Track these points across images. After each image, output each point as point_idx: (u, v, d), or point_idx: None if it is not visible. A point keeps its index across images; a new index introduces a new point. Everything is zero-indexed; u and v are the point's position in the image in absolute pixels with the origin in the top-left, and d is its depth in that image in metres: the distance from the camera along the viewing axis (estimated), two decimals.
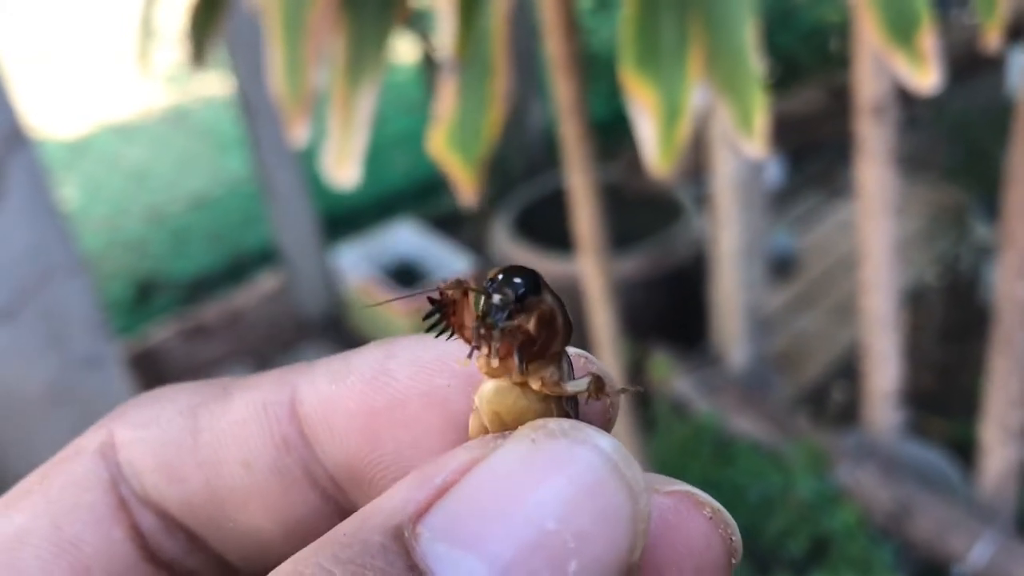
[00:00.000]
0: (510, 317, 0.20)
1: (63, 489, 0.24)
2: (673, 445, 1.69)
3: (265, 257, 2.61)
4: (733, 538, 0.21)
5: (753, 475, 1.60)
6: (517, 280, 0.21)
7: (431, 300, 0.21)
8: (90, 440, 0.25)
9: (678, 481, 0.22)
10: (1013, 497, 1.50)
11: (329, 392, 0.24)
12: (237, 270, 2.65)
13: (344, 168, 0.77)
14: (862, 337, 1.56)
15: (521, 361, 0.21)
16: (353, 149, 0.77)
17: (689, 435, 1.71)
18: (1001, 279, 1.33)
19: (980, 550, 1.47)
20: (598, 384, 0.22)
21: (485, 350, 0.21)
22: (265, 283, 2.56)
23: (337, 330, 2.49)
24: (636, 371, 1.86)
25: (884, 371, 1.54)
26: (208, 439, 0.24)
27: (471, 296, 0.21)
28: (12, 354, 1.75)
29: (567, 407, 0.22)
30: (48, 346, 1.81)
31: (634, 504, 0.19)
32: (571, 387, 0.22)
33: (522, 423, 0.21)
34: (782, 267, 2.45)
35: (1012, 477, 1.48)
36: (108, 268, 2.62)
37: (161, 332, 2.40)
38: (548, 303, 0.21)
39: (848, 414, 1.93)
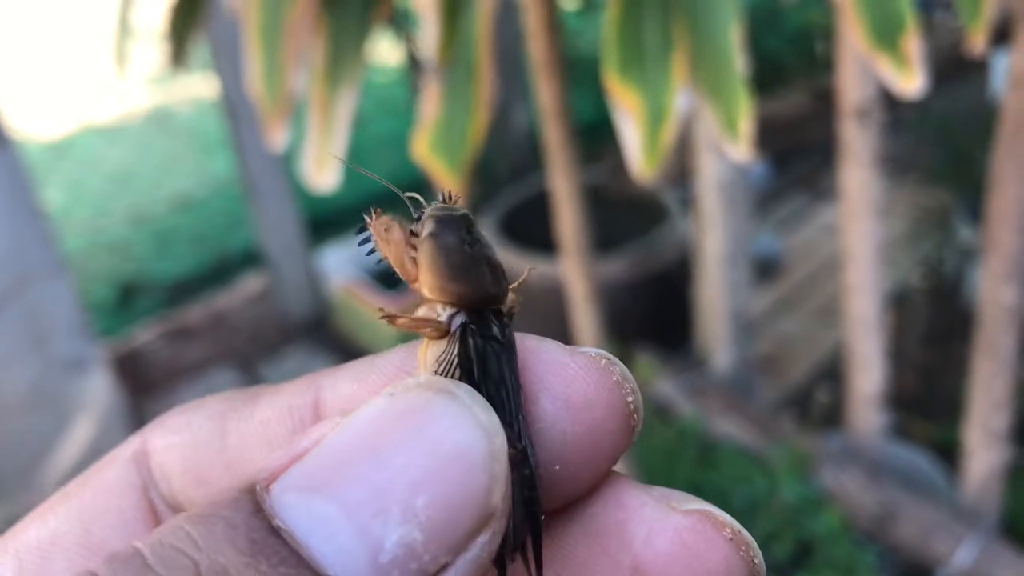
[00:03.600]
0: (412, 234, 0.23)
1: (96, 494, 0.24)
2: (657, 448, 1.69)
3: (249, 259, 2.60)
4: (755, 561, 0.21)
5: (737, 479, 1.60)
6: (427, 205, 0.23)
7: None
8: (126, 448, 0.25)
9: (695, 498, 0.22)
10: (997, 500, 1.50)
11: (352, 391, 0.24)
12: (221, 272, 2.63)
13: (323, 172, 0.76)
14: (846, 340, 1.56)
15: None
16: (333, 152, 0.76)
17: (673, 438, 1.71)
18: (985, 283, 1.33)
19: (964, 553, 1.47)
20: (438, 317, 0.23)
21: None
22: (249, 285, 2.55)
23: (321, 332, 2.47)
24: None
25: (868, 374, 1.54)
26: (234, 441, 0.24)
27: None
28: None
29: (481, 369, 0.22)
30: (30, 348, 1.80)
31: (488, 444, 0.19)
32: (421, 314, 0.23)
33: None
34: (767, 269, 2.46)
35: (996, 480, 1.48)
36: (91, 270, 2.60)
37: (144, 334, 2.38)
38: (427, 238, 0.23)
39: (833, 416, 1.93)
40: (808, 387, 2.12)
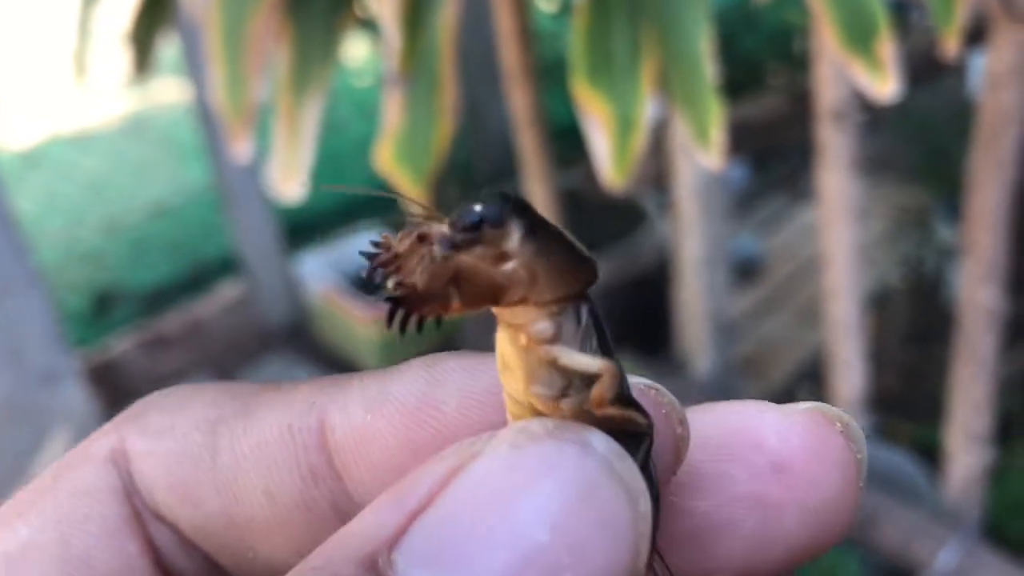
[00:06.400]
0: (454, 247, 0.17)
1: (72, 498, 0.21)
2: None
3: (226, 266, 2.57)
4: (859, 456, 0.22)
5: None
6: (478, 208, 0.18)
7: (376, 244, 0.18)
8: (100, 445, 0.22)
9: (804, 403, 0.23)
10: (978, 502, 1.50)
11: (365, 423, 0.21)
12: (197, 280, 2.61)
13: (290, 183, 0.74)
14: (826, 343, 1.56)
15: (457, 302, 0.18)
16: (299, 163, 0.74)
17: None
18: (964, 285, 1.33)
19: (946, 557, 1.46)
20: (611, 379, 0.18)
21: (397, 277, 0.17)
22: (226, 293, 2.52)
23: (300, 340, 2.45)
24: None
25: (848, 377, 1.53)
26: (227, 462, 0.22)
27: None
28: None
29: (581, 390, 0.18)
30: (3, 361, 1.78)
31: (633, 507, 0.17)
32: (565, 357, 0.18)
33: (523, 390, 0.18)
34: (747, 270, 2.45)
35: (977, 483, 1.47)
36: (65, 280, 2.57)
37: (121, 344, 2.36)
38: (522, 241, 0.18)
39: None
40: (790, 389, 2.11)
